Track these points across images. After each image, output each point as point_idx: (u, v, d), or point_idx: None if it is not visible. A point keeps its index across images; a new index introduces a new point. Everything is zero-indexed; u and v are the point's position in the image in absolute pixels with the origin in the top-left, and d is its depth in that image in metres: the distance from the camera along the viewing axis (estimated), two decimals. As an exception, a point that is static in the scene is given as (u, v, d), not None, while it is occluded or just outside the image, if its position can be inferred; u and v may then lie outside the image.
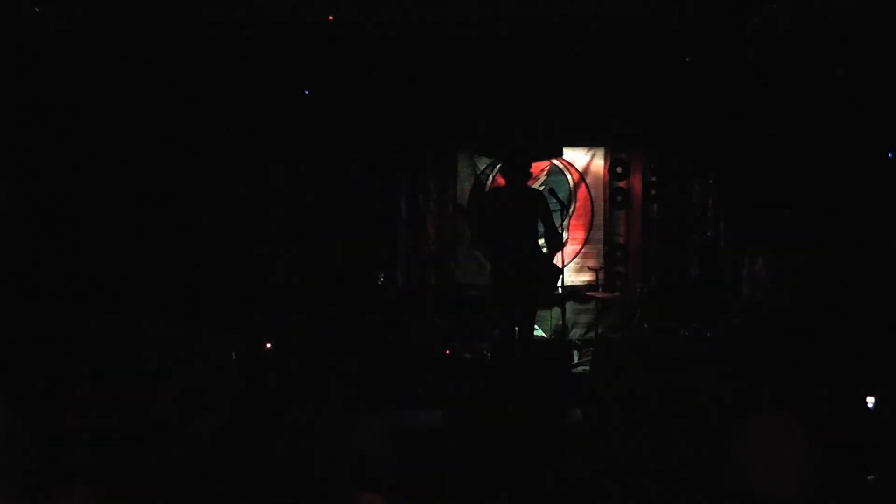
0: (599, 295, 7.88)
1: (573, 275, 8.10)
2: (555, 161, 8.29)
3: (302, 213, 8.04)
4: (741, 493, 1.88)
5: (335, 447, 2.06)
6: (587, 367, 6.65)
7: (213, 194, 7.25)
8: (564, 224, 7.94)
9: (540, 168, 8.20)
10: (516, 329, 6.21)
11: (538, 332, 7.54)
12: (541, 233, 6.15)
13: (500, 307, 6.18)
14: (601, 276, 8.01)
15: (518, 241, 5.99)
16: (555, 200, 7.13)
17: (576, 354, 7.59)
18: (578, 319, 8.24)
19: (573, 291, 7.74)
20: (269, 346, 5.89)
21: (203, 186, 7.14)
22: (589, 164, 8.42)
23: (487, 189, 8.37)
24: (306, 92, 7.52)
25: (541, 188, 7.86)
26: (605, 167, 8.35)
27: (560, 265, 6.34)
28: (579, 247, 8.33)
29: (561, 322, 7.13)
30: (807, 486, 1.87)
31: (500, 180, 8.29)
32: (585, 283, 7.99)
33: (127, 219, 6.39)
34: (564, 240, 7.36)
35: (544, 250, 6.27)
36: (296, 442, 2.06)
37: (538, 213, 6.14)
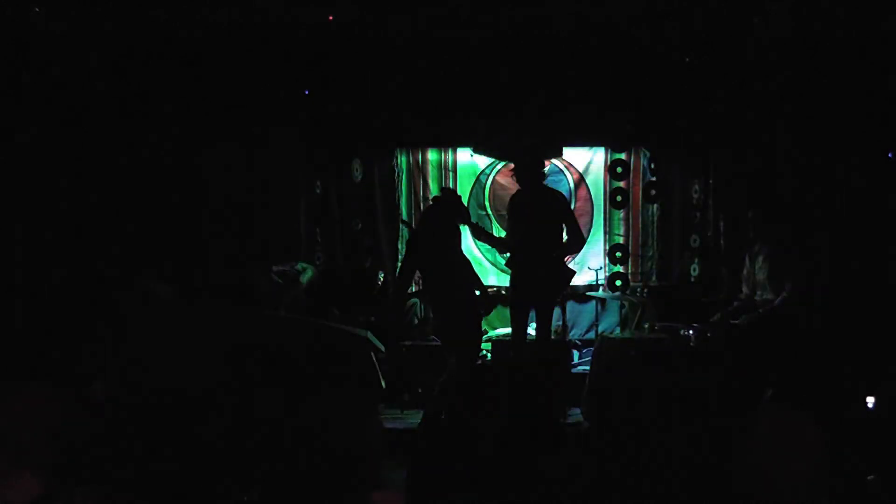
0: (599, 295, 7.87)
1: (573, 275, 8.09)
2: (555, 161, 8.28)
3: (301, 212, 8.04)
4: (750, 493, 1.85)
5: (342, 447, 2.06)
6: (587, 367, 6.65)
7: (212, 194, 7.26)
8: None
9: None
10: (528, 331, 6.22)
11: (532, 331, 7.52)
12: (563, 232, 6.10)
13: (516, 308, 6.16)
14: (601, 276, 8.01)
15: (539, 241, 5.94)
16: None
17: (576, 354, 7.58)
18: (578, 319, 8.24)
19: (573, 291, 7.72)
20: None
21: (202, 186, 7.15)
22: (589, 164, 8.42)
23: (487, 189, 8.37)
24: (306, 92, 7.52)
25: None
26: (605, 167, 8.34)
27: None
28: (579, 247, 8.32)
29: (561, 322, 7.11)
30: (820, 486, 1.85)
31: (500, 180, 8.29)
32: (585, 283, 7.97)
33: (130, 218, 6.40)
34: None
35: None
36: (302, 443, 2.06)
37: (560, 212, 6.09)
